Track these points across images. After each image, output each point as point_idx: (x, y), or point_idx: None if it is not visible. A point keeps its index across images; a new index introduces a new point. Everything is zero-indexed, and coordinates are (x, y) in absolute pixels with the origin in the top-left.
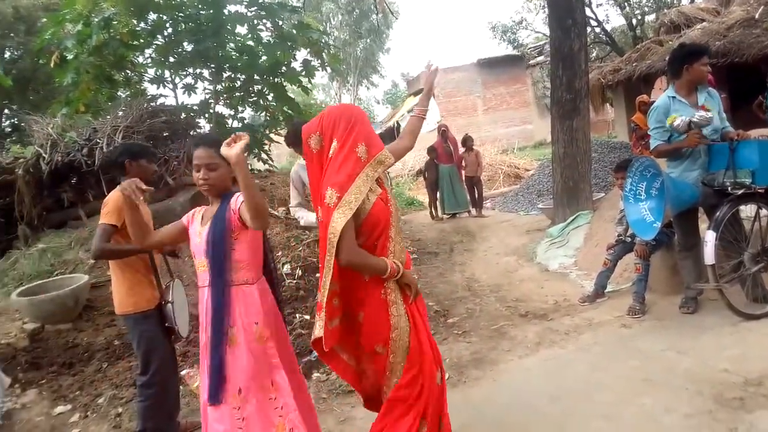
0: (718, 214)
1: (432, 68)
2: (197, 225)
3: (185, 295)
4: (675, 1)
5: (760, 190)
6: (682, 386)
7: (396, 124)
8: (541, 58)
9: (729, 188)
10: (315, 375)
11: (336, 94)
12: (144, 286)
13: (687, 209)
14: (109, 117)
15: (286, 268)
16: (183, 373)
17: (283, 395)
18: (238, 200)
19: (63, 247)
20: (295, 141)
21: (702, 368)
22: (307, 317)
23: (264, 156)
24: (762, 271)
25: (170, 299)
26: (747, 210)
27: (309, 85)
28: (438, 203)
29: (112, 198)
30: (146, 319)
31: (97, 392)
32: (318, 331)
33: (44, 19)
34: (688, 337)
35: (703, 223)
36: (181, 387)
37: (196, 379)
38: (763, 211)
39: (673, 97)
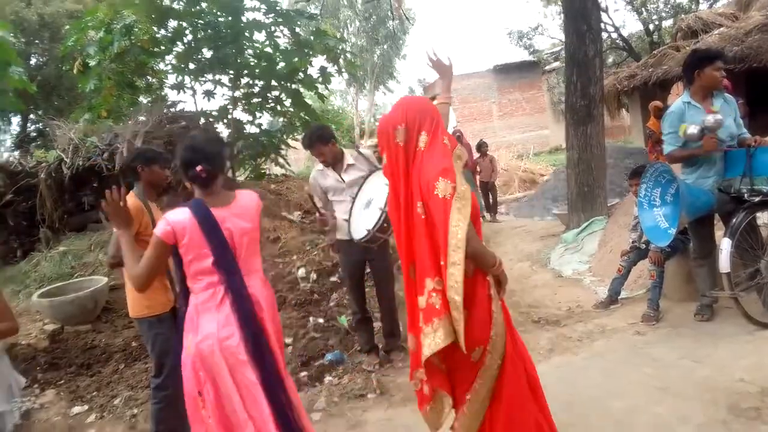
0: (734, 221)
1: (435, 58)
2: None
3: None
4: (693, 7)
5: None
6: (696, 395)
7: None
8: (557, 64)
9: (745, 195)
10: (327, 379)
11: (353, 100)
12: (158, 290)
13: (702, 216)
14: (130, 122)
15: (302, 272)
16: None
17: None
18: None
19: (83, 249)
20: (310, 144)
21: (717, 377)
22: (321, 321)
23: (281, 161)
24: None
25: None
26: (764, 217)
27: (326, 92)
28: None
29: (128, 205)
30: (160, 323)
31: (113, 393)
32: (433, 345)
33: (68, 26)
34: (703, 345)
35: (718, 230)
36: None
37: None
38: None
39: (688, 103)
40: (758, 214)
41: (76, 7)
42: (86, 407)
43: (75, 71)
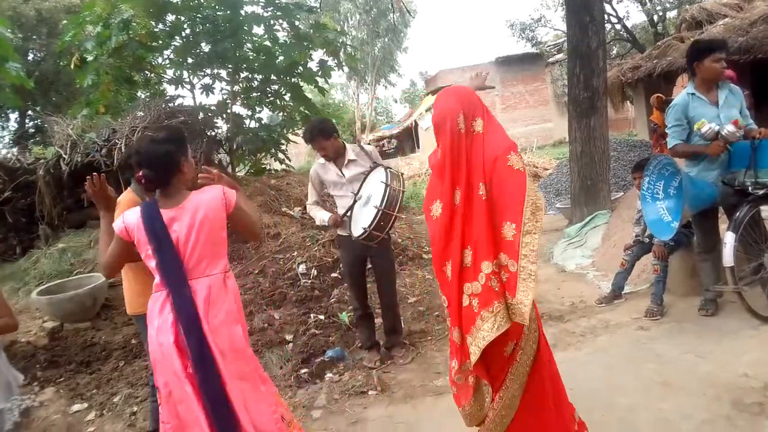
0: (738, 214)
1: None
2: None
3: None
4: None
5: None
6: (700, 391)
7: (414, 124)
8: (560, 56)
9: (750, 188)
10: (328, 376)
11: (354, 93)
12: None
13: (706, 209)
14: (128, 118)
15: (302, 268)
16: None
17: None
18: None
19: (82, 246)
20: (312, 138)
21: (721, 372)
22: (322, 317)
23: (281, 156)
24: None
25: None
26: None
27: (326, 86)
28: None
29: (123, 201)
30: None
31: (113, 391)
32: (496, 329)
33: (65, 22)
34: (707, 340)
35: (722, 224)
36: None
37: None
38: None
39: (693, 94)
40: (762, 208)
41: (74, 2)
42: (86, 405)
43: (72, 67)
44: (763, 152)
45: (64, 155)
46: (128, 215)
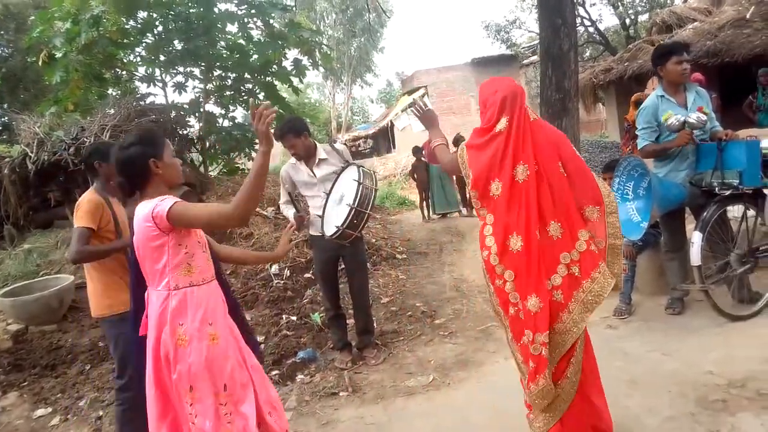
0: (705, 214)
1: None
2: None
3: None
4: (668, 1)
5: (747, 191)
6: (665, 388)
7: (390, 124)
8: (534, 58)
9: (716, 188)
10: (299, 377)
11: (330, 93)
12: (120, 288)
13: (674, 209)
14: (97, 116)
15: (275, 269)
16: None
17: None
18: None
19: (49, 247)
20: (282, 135)
21: (686, 370)
22: (294, 318)
23: (255, 155)
24: (748, 272)
25: None
26: (734, 210)
27: (300, 85)
28: (428, 203)
29: (85, 200)
30: (123, 322)
31: (78, 395)
32: (606, 286)
33: (33, 17)
34: (674, 338)
35: (690, 224)
36: None
37: None
38: (750, 212)
39: (662, 96)
40: (729, 208)
41: None
42: (50, 409)
43: (41, 63)
44: (729, 154)
45: (30, 154)
46: None
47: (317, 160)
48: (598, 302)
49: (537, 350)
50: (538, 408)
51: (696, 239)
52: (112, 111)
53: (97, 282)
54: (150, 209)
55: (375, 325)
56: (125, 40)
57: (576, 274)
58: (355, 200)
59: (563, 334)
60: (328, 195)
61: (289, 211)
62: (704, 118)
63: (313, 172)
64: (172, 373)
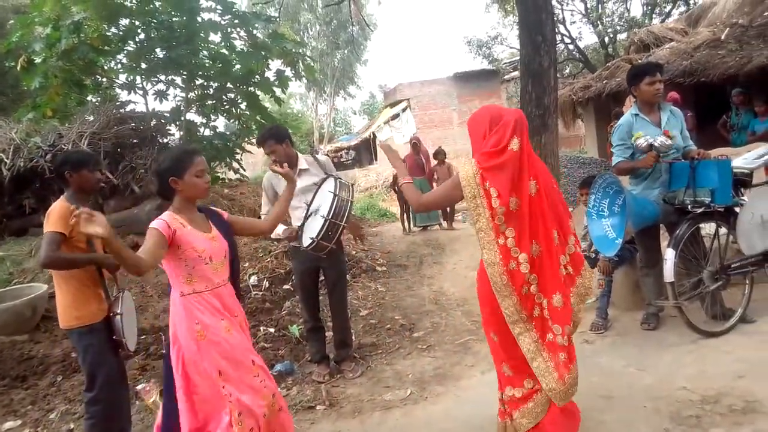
0: (678, 231)
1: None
2: (199, 232)
3: (133, 306)
4: (646, 21)
5: (719, 209)
6: (640, 404)
7: (372, 135)
8: (515, 74)
9: (689, 206)
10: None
11: (313, 104)
12: (90, 299)
13: (648, 226)
14: (76, 122)
15: (253, 280)
16: (139, 387)
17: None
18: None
19: (23, 255)
20: (263, 140)
21: (661, 385)
22: (272, 330)
23: (236, 165)
24: (721, 289)
25: (119, 311)
26: (707, 228)
27: (283, 96)
28: (409, 216)
29: (57, 208)
30: (92, 333)
31: (49, 407)
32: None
33: (12, 21)
34: (649, 353)
35: (664, 241)
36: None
37: (153, 394)
38: (722, 230)
39: (636, 115)
40: (701, 225)
41: (23, 2)
42: (20, 422)
43: (19, 68)
44: (701, 172)
45: (5, 160)
46: None
47: (298, 170)
48: (588, 294)
49: (565, 342)
50: (568, 398)
51: (669, 256)
52: (91, 118)
53: (66, 293)
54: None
55: (353, 338)
56: (106, 47)
57: (571, 272)
58: (329, 212)
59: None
60: (308, 206)
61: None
62: (669, 142)
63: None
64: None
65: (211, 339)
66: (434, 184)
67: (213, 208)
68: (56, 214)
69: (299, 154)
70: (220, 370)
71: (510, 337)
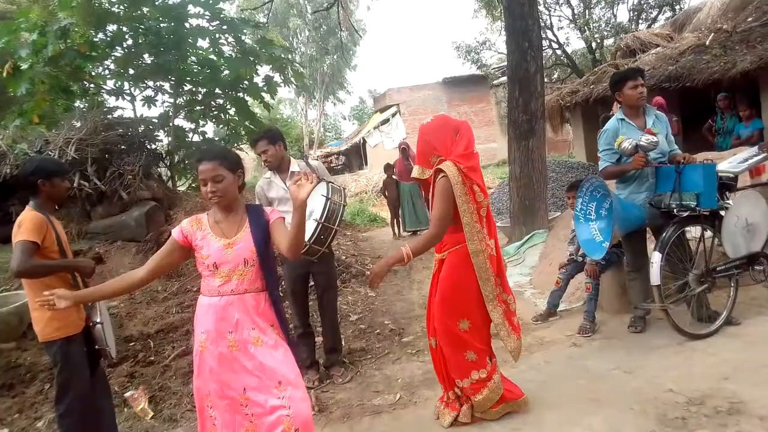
0: (664, 235)
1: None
2: (215, 237)
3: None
4: (632, 26)
5: (704, 213)
6: (628, 406)
7: (362, 140)
8: (504, 79)
9: (675, 210)
10: None
11: (302, 109)
12: (69, 309)
13: (635, 230)
14: (63, 129)
15: None
16: (128, 394)
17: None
18: (273, 215)
19: (9, 262)
20: (256, 140)
21: (648, 388)
22: None
23: None
24: (706, 292)
25: (98, 320)
26: (692, 231)
27: (272, 101)
28: (399, 220)
29: (28, 217)
30: (71, 345)
31: (36, 415)
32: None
33: None
34: (636, 356)
35: (650, 244)
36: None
37: (141, 401)
38: (708, 233)
39: (622, 120)
40: (687, 229)
41: (9, 8)
42: (6, 430)
43: (5, 74)
44: (687, 176)
45: None
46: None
47: (290, 174)
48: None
49: (515, 307)
50: (520, 355)
51: (655, 259)
52: (78, 124)
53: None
54: None
55: (343, 343)
56: (94, 53)
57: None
58: (322, 216)
59: None
60: None
61: None
62: (654, 139)
63: (286, 186)
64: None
65: (211, 352)
66: (422, 190)
67: (260, 207)
68: (28, 223)
69: (291, 159)
70: (209, 391)
71: (481, 320)
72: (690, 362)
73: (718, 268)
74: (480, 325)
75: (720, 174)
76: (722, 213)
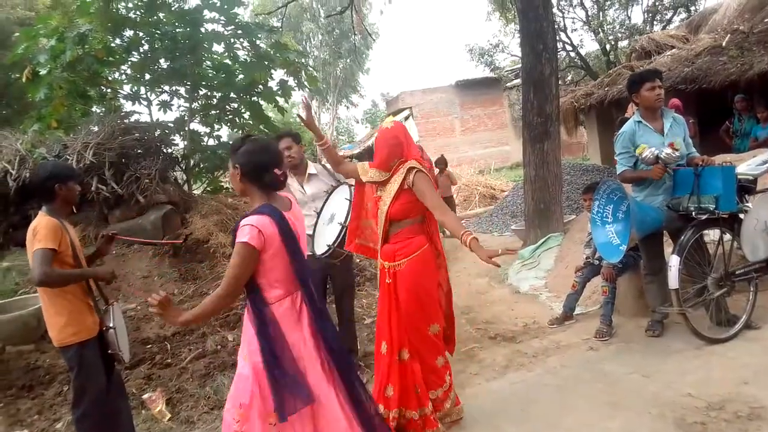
0: (682, 238)
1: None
2: None
3: (122, 318)
4: (647, 28)
5: (723, 216)
6: (645, 410)
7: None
8: (517, 81)
9: (693, 213)
10: None
11: (315, 113)
12: (84, 313)
13: (652, 233)
14: (81, 133)
15: None
16: (145, 396)
17: None
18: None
19: (28, 265)
20: (281, 136)
21: (666, 392)
22: None
23: None
24: (725, 296)
25: (112, 325)
26: (711, 235)
27: (286, 105)
28: None
29: (42, 223)
30: (86, 349)
31: (55, 417)
32: None
33: (18, 34)
34: (654, 360)
35: (668, 247)
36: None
37: (158, 403)
38: (726, 236)
39: (639, 122)
40: (705, 232)
41: (28, 14)
42: (26, 431)
43: (24, 80)
44: (706, 179)
45: (11, 171)
46: (262, 224)
47: (307, 176)
48: None
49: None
50: None
51: (674, 263)
52: (95, 128)
53: (61, 309)
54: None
55: (358, 345)
56: (111, 58)
57: None
58: (346, 219)
59: None
60: (318, 214)
61: None
62: (676, 154)
63: (303, 189)
64: None
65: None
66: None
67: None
68: (44, 230)
69: (308, 162)
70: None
71: (441, 321)
72: (709, 366)
73: (737, 272)
74: (442, 326)
75: (739, 176)
76: (741, 216)
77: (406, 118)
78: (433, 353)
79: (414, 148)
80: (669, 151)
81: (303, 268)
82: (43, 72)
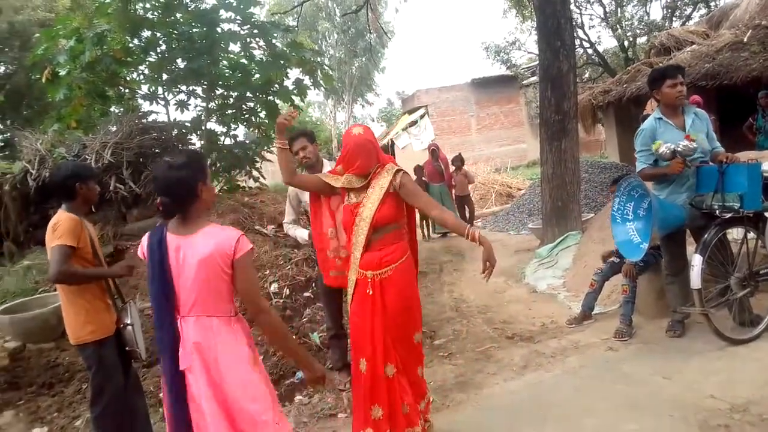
0: (705, 237)
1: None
2: None
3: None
4: (666, 24)
5: (748, 214)
6: (667, 412)
7: (390, 142)
8: (534, 79)
9: (717, 211)
10: (297, 398)
11: (331, 112)
12: (102, 312)
13: (674, 231)
14: (99, 133)
15: (274, 287)
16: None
17: None
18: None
19: (47, 264)
20: (295, 136)
21: (688, 394)
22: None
23: (256, 173)
24: (749, 296)
25: (129, 322)
26: (735, 233)
27: (301, 104)
28: (428, 222)
29: (63, 219)
30: (104, 347)
31: (75, 414)
32: None
33: (38, 35)
34: (675, 361)
35: (690, 246)
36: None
37: None
38: (751, 235)
39: (660, 119)
40: (729, 231)
41: (48, 16)
42: (46, 429)
43: (44, 80)
44: (730, 176)
45: (31, 170)
46: (147, 236)
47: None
48: None
49: None
50: None
51: (696, 262)
52: (114, 128)
53: (79, 307)
54: (233, 237)
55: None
56: (129, 59)
57: None
58: None
59: None
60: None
61: (295, 231)
62: (693, 145)
63: None
64: None
65: None
66: (453, 191)
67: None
68: (64, 225)
69: (324, 161)
70: None
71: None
72: (732, 368)
73: (761, 272)
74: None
75: (764, 174)
76: (766, 214)
77: (422, 117)
78: (416, 363)
79: (381, 151)
80: (685, 143)
81: (155, 298)
82: (62, 73)
